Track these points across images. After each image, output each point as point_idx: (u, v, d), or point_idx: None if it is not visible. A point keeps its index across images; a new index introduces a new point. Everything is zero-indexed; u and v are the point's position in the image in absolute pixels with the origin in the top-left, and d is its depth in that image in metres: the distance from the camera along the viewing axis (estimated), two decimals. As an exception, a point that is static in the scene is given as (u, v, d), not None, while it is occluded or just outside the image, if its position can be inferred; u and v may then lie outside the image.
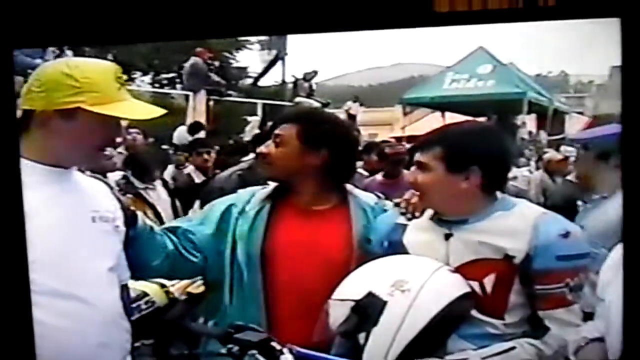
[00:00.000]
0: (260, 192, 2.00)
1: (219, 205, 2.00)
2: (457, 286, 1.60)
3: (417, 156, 1.76)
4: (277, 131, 1.94)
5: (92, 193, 1.71)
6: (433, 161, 1.71)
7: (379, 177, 4.70)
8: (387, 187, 3.81)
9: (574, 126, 14.45)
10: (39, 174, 1.57)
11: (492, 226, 1.67)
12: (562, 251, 1.61)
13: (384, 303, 1.52)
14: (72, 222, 1.60)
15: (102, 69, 1.63)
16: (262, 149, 1.97)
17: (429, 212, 1.80)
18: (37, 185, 1.49)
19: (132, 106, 1.66)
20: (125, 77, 1.65)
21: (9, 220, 1.25)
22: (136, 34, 1.37)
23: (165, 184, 4.95)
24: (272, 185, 2.00)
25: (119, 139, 1.73)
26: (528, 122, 13.25)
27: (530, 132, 13.35)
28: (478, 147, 1.74)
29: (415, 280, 1.56)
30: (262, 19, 1.35)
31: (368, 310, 1.53)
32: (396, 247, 1.78)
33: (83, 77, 1.57)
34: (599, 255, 2.25)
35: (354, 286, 1.60)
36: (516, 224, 1.66)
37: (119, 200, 1.79)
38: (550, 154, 7.35)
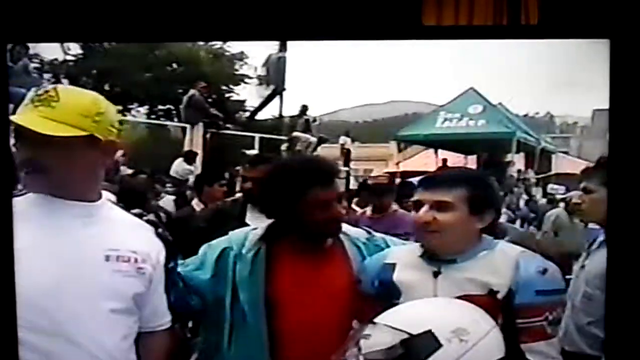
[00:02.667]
0: (254, 233, 1.96)
1: (214, 248, 1.94)
2: (501, 349, 1.54)
3: (436, 196, 1.76)
4: None
5: (118, 231, 1.64)
6: (458, 202, 1.75)
7: (368, 211, 4.58)
8: (374, 222, 3.78)
9: (560, 165, 14.75)
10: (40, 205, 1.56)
11: (479, 264, 1.74)
12: (541, 286, 1.67)
13: (439, 347, 1.45)
14: (78, 259, 1.53)
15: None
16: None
17: (419, 250, 1.83)
18: (36, 217, 1.53)
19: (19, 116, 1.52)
20: (47, 93, 1.54)
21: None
22: (131, 33, 1.40)
23: (157, 216, 4.75)
24: (263, 225, 1.97)
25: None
26: (517, 161, 13.54)
27: (519, 171, 13.63)
28: (494, 191, 1.86)
29: (474, 333, 1.49)
30: (254, 25, 1.36)
31: (420, 348, 1.45)
32: (387, 286, 1.80)
33: None
34: (593, 295, 2.34)
35: (411, 319, 1.52)
36: (499, 261, 1.73)
37: (165, 241, 1.74)
38: (578, 195, 7.38)
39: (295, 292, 1.85)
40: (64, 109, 1.51)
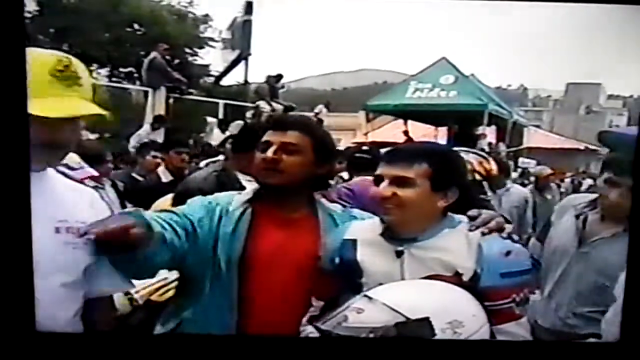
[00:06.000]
0: (241, 195, 2.00)
1: (199, 199, 1.97)
2: None
3: (397, 171, 1.72)
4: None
5: (66, 201, 1.59)
6: (419, 178, 1.71)
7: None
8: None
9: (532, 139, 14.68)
10: None
11: (441, 243, 1.71)
12: (505, 269, 1.65)
13: (432, 336, 1.43)
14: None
15: (37, 61, 1.43)
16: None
17: (379, 228, 1.79)
18: None
19: (55, 102, 1.44)
20: (69, 69, 1.47)
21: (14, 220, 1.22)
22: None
23: (114, 184, 4.69)
24: (250, 189, 2.01)
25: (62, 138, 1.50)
26: (488, 134, 13.36)
27: (490, 144, 13.48)
28: (460, 168, 1.82)
29: (469, 327, 1.50)
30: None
31: (413, 334, 1.43)
32: (349, 265, 1.77)
33: None
34: (607, 286, 2.30)
35: (411, 302, 1.50)
36: (462, 242, 1.70)
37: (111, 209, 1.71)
38: (539, 169, 7.12)
39: (268, 258, 1.87)
40: (88, 88, 1.52)
